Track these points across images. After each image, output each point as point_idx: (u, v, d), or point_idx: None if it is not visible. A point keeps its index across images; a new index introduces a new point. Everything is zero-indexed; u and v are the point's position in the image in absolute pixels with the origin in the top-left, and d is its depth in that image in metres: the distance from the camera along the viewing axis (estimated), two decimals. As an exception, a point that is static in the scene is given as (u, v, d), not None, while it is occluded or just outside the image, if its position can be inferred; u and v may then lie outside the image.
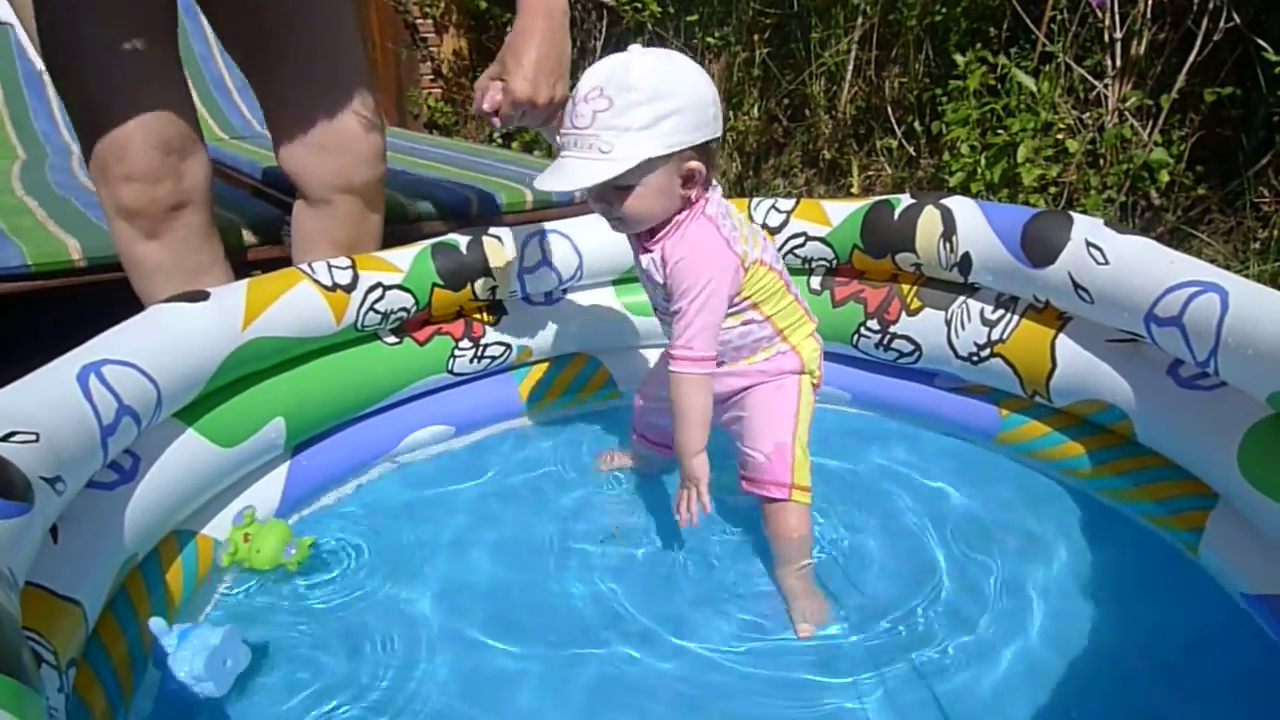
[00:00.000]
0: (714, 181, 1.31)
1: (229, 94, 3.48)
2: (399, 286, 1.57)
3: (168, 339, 1.25)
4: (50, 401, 1.04)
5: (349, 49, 1.68)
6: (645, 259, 1.31)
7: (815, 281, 1.80)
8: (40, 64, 3.18)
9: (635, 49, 1.20)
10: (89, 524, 1.09)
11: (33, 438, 0.95)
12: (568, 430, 1.80)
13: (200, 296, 1.34)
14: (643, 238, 1.31)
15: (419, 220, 2.27)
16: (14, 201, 2.26)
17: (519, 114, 1.37)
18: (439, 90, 5.07)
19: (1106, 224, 1.43)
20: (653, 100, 1.16)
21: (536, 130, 1.51)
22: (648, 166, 1.19)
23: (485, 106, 1.36)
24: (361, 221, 1.75)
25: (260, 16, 1.60)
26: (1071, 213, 1.48)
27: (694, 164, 1.21)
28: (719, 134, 1.25)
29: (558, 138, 1.27)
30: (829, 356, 1.79)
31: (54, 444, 0.98)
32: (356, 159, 1.67)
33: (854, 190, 3.38)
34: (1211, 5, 2.55)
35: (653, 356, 1.85)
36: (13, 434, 0.94)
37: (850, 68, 3.49)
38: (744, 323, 1.34)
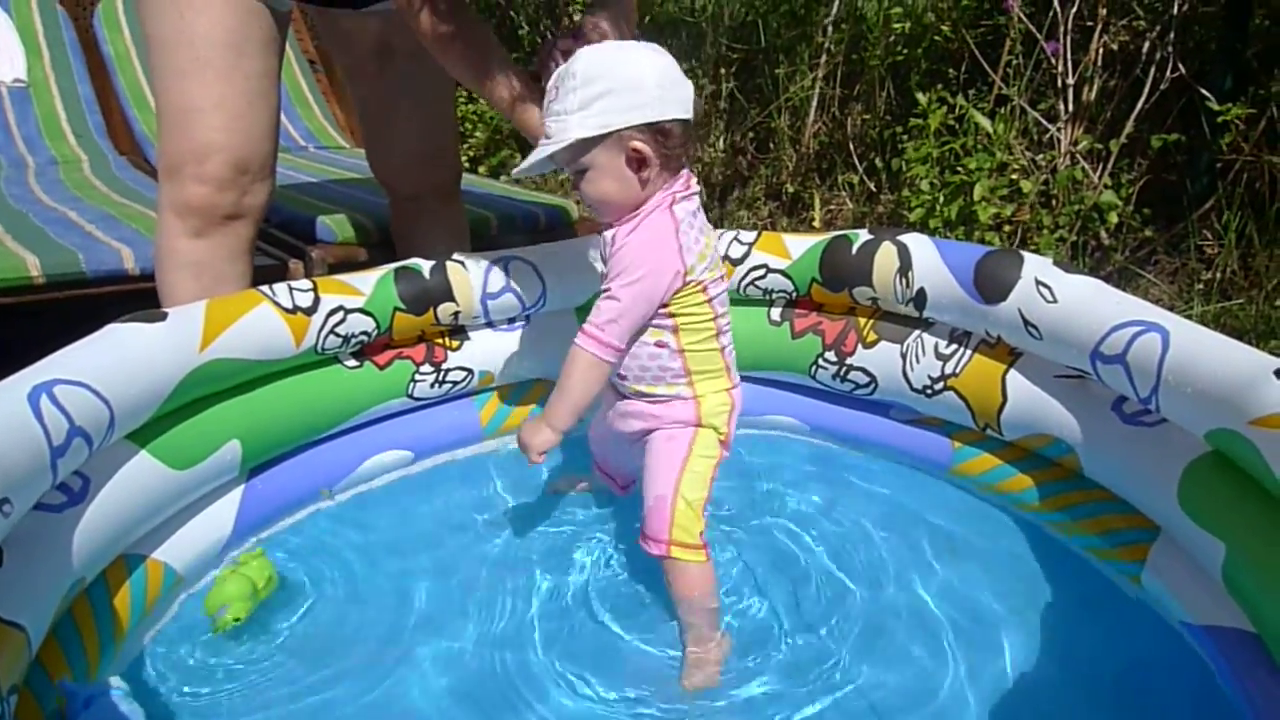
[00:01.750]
0: (691, 177, 1.33)
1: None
2: (360, 310, 1.57)
3: (123, 359, 1.24)
4: (-1, 421, 1.02)
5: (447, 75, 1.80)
6: (604, 234, 1.34)
7: (775, 313, 1.83)
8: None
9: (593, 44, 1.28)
10: (35, 547, 1.08)
11: (-20, 458, 0.94)
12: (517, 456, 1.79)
13: (158, 317, 1.33)
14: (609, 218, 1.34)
15: (499, 233, 2.42)
16: (-31, 216, 2.23)
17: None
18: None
19: (1055, 263, 1.48)
20: (585, 85, 1.23)
21: None
22: (582, 147, 1.25)
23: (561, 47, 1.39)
24: (450, 215, 1.99)
25: (369, 36, 1.74)
26: (1022, 252, 1.52)
27: (637, 144, 1.24)
28: (670, 116, 1.24)
29: None
30: (787, 386, 1.85)
31: (2, 465, 0.96)
32: (441, 165, 1.94)
33: (815, 223, 3.43)
34: (1159, 55, 2.65)
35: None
36: (-40, 454, 0.92)
37: (815, 104, 3.56)
38: (657, 344, 1.32)
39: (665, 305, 1.30)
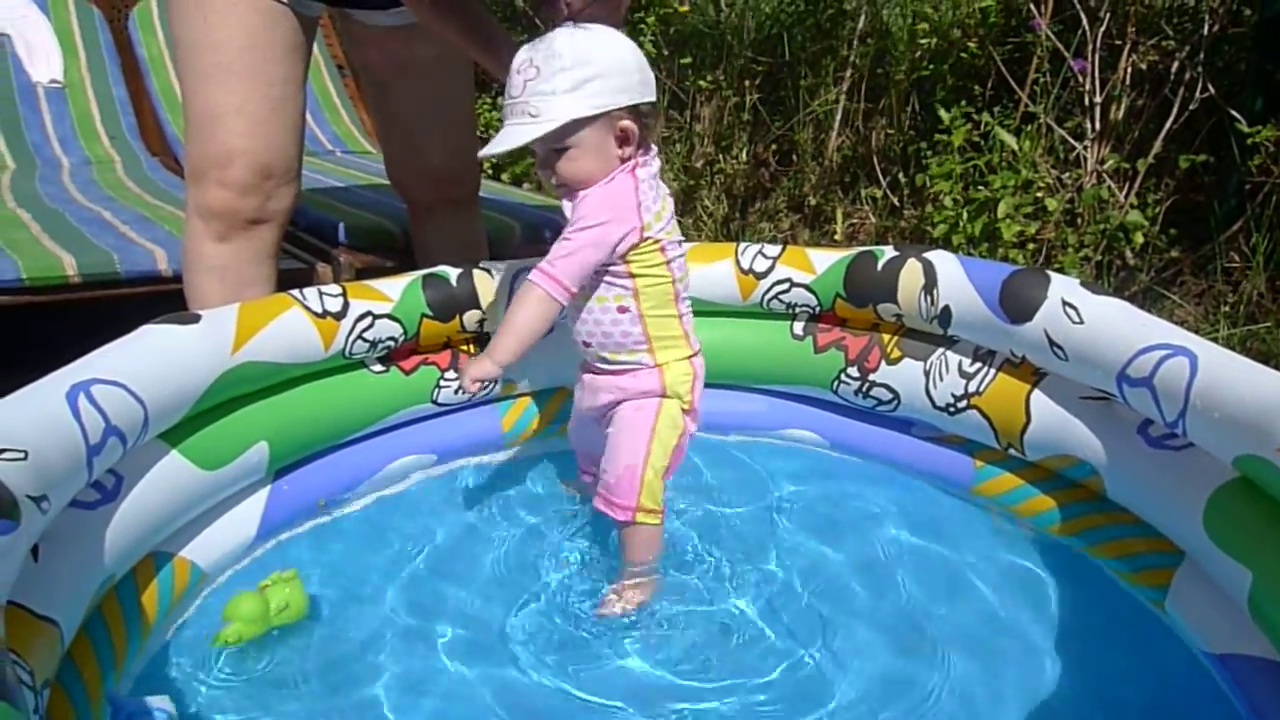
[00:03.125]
0: (653, 148, 1.39)
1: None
2: (388, 316, 1.59)
3: (158, 360, 1.26)
4: (39, 419, 1.04)
5: (468, 80, 1.88)
6: (566, 204, 1.37)
7: (798, 327, 1.83)
8: (35, 77, 3.20)
9: (567, 27, 1.31)
10: (69, 543, 1.09)
11: (21, 455, 0.95)
12: (545, 463, 1.81)
13: (191, 319, 1.35)
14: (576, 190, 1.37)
15: (523, 242, 2.44)
16: (7, 214, 2.27)
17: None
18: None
19: (1082, 284, 1.48)
20: (576, 66, 1.27)
21: None
22: (574, 127, 1.29)
23: None
24: (466, 223, 1.98)
25: (395, 49, 1.75)
26: (1049, 272, 1.52)
27: (627, 123, 1.31)
28: (650, 99, 1.35)
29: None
30: (809, 401, 1.85)
31: (41, 462, 0.98)
32: (456, 179, 1.92)
33: (837, 237, 3.43)
34: (1188, 76, 2.64)
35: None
36: (1, 451, 0.94)
37: (838, 117, 3.56)
38: (619, 309, 1.39)
39: (626, 262, 1.36)
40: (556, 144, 1.31)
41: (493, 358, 1.34)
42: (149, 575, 1.28)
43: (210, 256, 1.66)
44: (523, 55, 1.30)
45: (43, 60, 3.20)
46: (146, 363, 1.24)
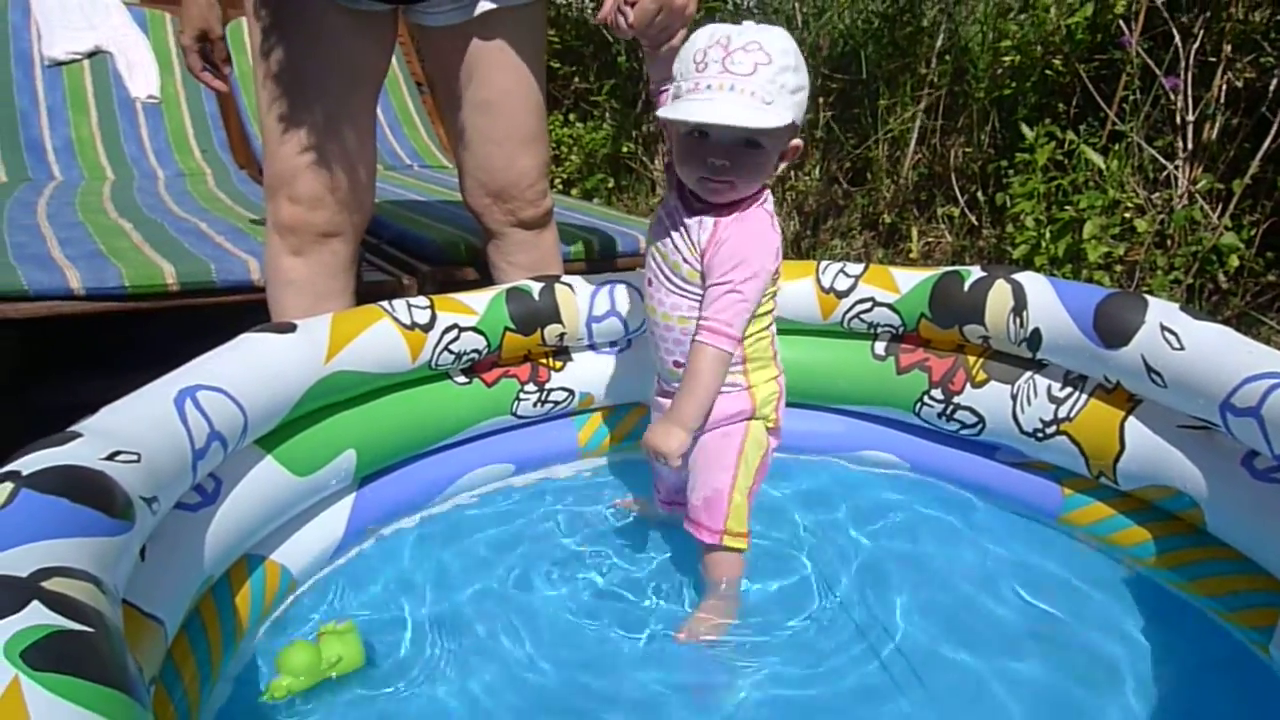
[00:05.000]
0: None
1: (382, 132, 3.65)
2: (473, 329, 1.62)
3: (256, 367, 1.30)
4: (150, 423, 1.08)
5: (532, 98, 1.79)
6: (691, 219, 1.32)
7: (880, 348, 1.81)
8: (134, 92, 3.34)
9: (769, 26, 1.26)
10: (173, 544, 1.13)
11: (134, 458, 0.99)
12: (619, 478, 1.82)
13: (288, 328, 1.39)
14: (697, 200, 1.32)
15: (600, 258, 2.43)
16: (109, 223, 2.37)
17: (655, 13, 1.34)
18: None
19: (1182, 308, 1.43)
20: (799, 70, 1.24)
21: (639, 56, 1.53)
22: (788, 130, 1.24)
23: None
24: (535, 245, 1.91)
25: (465, 53, 1.72)
26: (1146, 295, 1.48)
27: (798, 141, 1.29)
28: None
29: (692, 75, 1.23)
30: (891, 424, 1.82)
31: (152, 465, 1.02)
32: (524, 202, 1.84)
33: (913, 255, 3.39)
34: (1287, 94, 2.55)
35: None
36: (117, 453, 0.98)
37: (915, 135, 3.52)
38: None
39: None
40: (765, 138, 1.22)
41: (685, 426, 1.30)
42: (243, 577, 1.32)
43: (287, 271, 1.70)
44: (746, 34, 1.21)
45: (141, 76, 3.34)
46: (246, 370, 1.28)
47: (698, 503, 1.38)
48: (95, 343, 2.36)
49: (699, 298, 1.33)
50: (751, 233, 1.29)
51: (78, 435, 0.99)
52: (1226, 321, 2.43)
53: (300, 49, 1.59)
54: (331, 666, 1.22)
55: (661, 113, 1.27)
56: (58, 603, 0.71)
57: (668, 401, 1.44)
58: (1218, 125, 2.68)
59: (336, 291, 1.74)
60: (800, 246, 3.79)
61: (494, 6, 1.65)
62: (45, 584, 0.73)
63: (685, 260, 1.33)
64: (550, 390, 1.77)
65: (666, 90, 1.35)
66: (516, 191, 1.82)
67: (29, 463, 0.91)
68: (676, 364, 1.40)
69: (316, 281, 1.71)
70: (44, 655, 0.65)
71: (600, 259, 2.45)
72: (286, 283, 1.71)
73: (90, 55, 3.38)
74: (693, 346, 1.31)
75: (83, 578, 0.78)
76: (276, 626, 1.37)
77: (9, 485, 0.87)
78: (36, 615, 0.69)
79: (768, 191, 1.34)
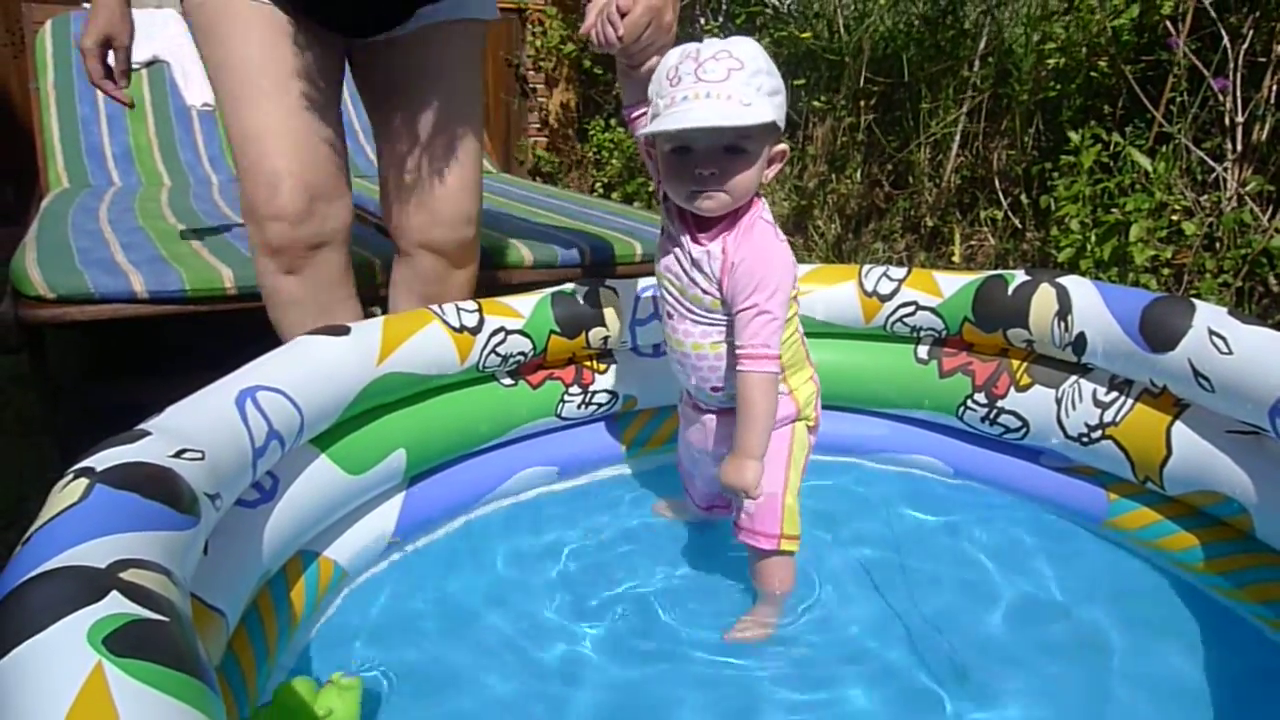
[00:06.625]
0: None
1: (356, 136, 3.68)
2: (519, 331, 1.65)
3: (312, 369, 1.34)
4: (213, 422, 1.12)
5: (464, 113, 1.70)
6: (698, 250, 1.32)
7: (922, 351, 1.81)
8: (190, 100, 3.43)
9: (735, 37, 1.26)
10: (234, 539, 1.17)
11: (199, 456, 1.03)
12: (656, 480, 1.83)
13: (342, 331, 1.43)
14: (698, 227, 1.33)
15: (534, 268, 2.35)
16: (168, 227, 2.44)
17: (645, 27, 1.30)
18: (545, 140, 5.26)
19: (1230, 312, 1.42)
20: (771, 74, 1.23)
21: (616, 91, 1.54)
22: (769, 131, 1.25)
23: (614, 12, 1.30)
24: (443, 278, 1.78)
25: (392, 69, 1.68)
26: (1194, 299, 1.47)
27: (784, 146, 1.28)
28: None
29: (667, 92, 1.23)
30: (935, 427, 1.82)
31: (215, 462, 1.06)
32: (439, 221, 1.71)
33: (955, 259, 3.37)
34: (1342, 94, 2.50)
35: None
36: (183, 451, 1.02)
37: (957, 138, 3.50)
38: None
39: None
40: (748, 142, 1.23)
41: (756, 456, 1.29)
42: (298, 572, 1.36)
43: (284, 292, 1.64)
44: (713, 46, 1.22)
45: (196, 85, 3.43)
46: (303, 371, 1.32)
47: (751, 510, 1.38)
48: (147, 346, 2.44)
49: (724, 322, 1.34)
50: (761, 249, 1.29)
51: (146, 434, 1.03)
52: (1277, 325, 2.39)
53: (255, 48, 1.54)
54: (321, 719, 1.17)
55: (641, 131, 1.29)
56: (135, 593, 0.75)
57: (706, 417, 1.46)
58: (1268, 126, 2.63)
59: (340, 300, 1.68)
60: (841, 249, 3.78)
61: (432, 21, 1.62)
62: (123, 575, 0.77)
63: (705, 292, 1.33)
64: (594, 393, 1.79)
65: (642, 114, 1.37)
66: (434, 205, 1.69)
67: (102, 459, 0.96)
68: (715, 389, 1.40)
69: (318, 296, 1.65)
70: (125, 642, 0.68)
71: (643, 262, 2.48)
72: (288, 304, 1.65)
73: (148, 65, 3.48)
74: (739, 377, 1.30)
75: (156, 569, 0.81)
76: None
77: (84, 481, 0.91)
78: (116, 604, 0.73)
79: (763, 201, 1.33)
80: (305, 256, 1.61)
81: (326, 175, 1.61)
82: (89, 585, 0.74)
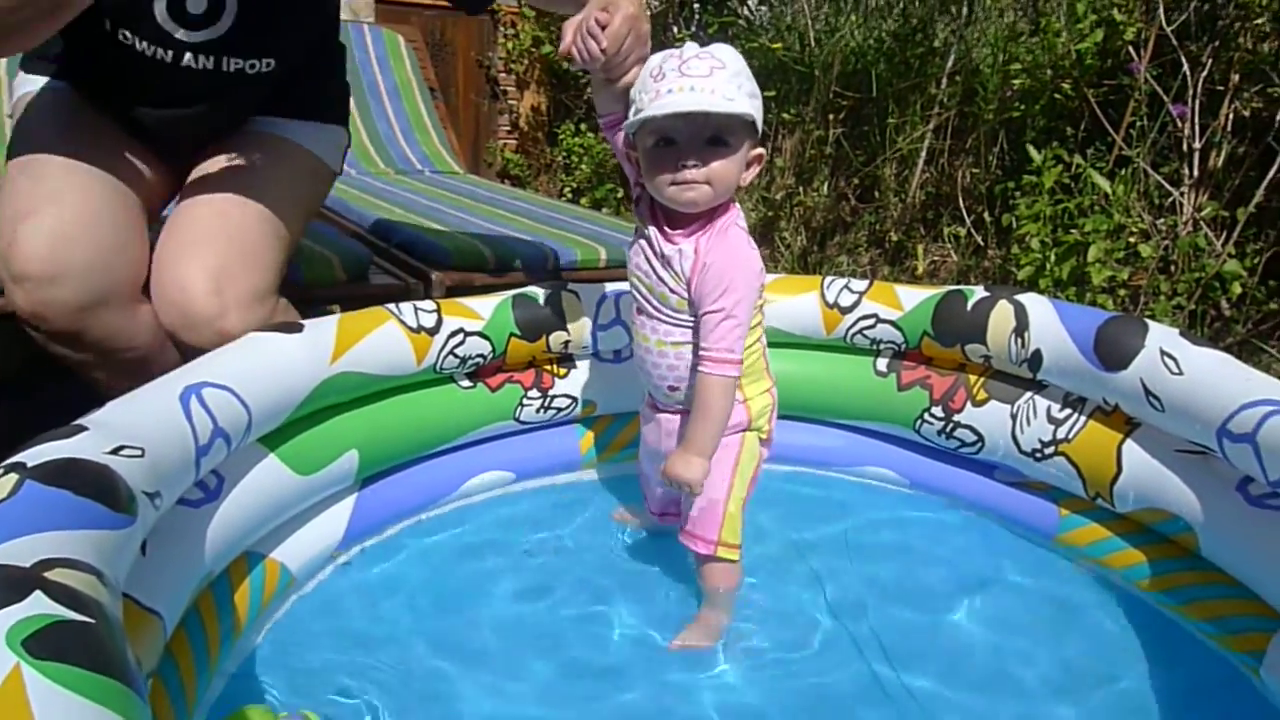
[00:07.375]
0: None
1: (395, 136, 3.80)
2: (479, 333, 1.63)
3: (263, 366, 1.31)
4: (154, 418, 1.09)
5: (259, 223, 1.54)
6: (669, 248, 1.32)
7: (882, 364, 1.82)
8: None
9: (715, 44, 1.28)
10: (174, 539, 1.14)
11: (138, 453, 1.00)
12: (614, 486, 1.82)
13: (295, 328, 1.40)
14: (671, 225, 1.34)
15: (497, 271, 2.33)
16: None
17: (625, 38, 1.30)
18: (514, 142, 5.23)
19: (1182, 334, 1.44)
20: (750, 79, 1.26)
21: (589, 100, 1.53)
22: (750, 129, 1.27)
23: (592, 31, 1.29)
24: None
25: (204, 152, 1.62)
26: (1147, 320, 1.49)
27: (761, 150, 1.30)
28: None
29: (651, 88, 1.24)
30: (891, 440, 1.83)
31: (156, 460, 1.03)
32: (183, 319, 1.45)
33: (919, 273, 3.40)
34: (1294, 124, 2.56)
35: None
36: (121, 448, 0.99)
37: (923, 155, 3.54)
38: None
39: None
40: (730, 135, 1.25)
41: (704, 454, 1.31)
42: (242, 574, 1.33)
43: (81, 369, 1.49)
44: (692, 49, 1.24)
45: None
46: (252, 368, 1.29)
47: (694, 513, 1.39)
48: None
49: (690, 324, 1.35)
50: (733, 253, 1.30)
51: (83, 429, 1.00)
52: (1228, 349, 2.44)
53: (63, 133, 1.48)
54: None
55: (626, 123, 1.30)
56: (60, 593, 0.72)
57: (661, 416, 1.46)
58: (1224, 153, 2.69)
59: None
60: (807, 262, 3.80)
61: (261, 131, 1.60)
62: (47, 574, 0.74)
63: (673, 291, 1.34)
64: (554, 397, 1.78)
65: (619, 121, 1.37)
66: (180, 300, 1.44)
67: (34, 455, 0.92)
68: (671, 388, 1.40)
69: (123, 372, 1.44)
70: (45, 644, 0.66)
71: (607, 268, 2.46)
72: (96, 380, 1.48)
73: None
74: (699, 378, 1.31)
75: (84, 569, 0.78)
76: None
77: (14, 477, 0.88)
78: (38, 605, 0.70)
79: (738, 207, 1.35)
80: (76, 322, 1.41)
81: (95, 232, 1.41)
82: (11, 585, 0.71)
